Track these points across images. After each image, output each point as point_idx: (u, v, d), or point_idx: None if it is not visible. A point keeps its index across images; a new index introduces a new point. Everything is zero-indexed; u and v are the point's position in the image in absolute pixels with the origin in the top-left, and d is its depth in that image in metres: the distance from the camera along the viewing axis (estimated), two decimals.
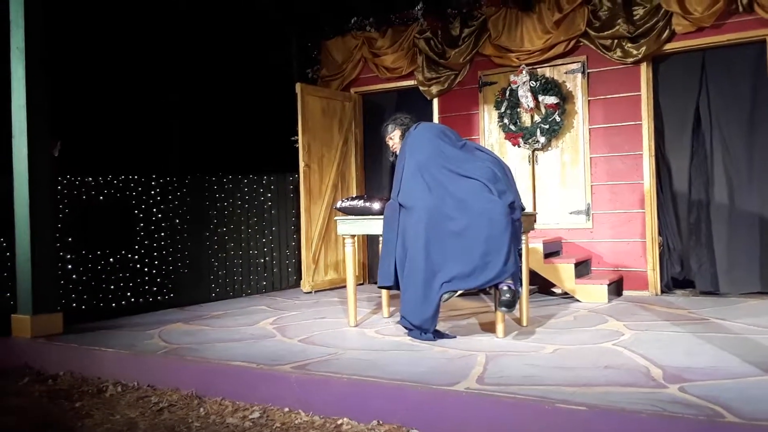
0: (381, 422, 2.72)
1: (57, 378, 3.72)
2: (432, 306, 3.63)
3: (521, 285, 3.83)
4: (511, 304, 3.52)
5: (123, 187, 5.14)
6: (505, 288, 3.52)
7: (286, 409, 2.96)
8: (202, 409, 3.05)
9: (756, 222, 5.12)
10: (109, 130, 5.23)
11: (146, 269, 5.25)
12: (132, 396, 3.31)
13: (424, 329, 3.71)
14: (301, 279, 6.24)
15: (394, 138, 4.37)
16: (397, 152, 4.29)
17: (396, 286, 3.84)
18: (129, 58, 5.36)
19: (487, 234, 3.54)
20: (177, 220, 5.48)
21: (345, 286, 4.63)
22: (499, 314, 3.75)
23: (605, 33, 5.44)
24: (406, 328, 3.84)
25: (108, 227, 5.02)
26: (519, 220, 3.73)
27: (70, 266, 4.78)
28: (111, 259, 5.02)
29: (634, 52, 5.35)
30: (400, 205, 3.87)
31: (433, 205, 3.70)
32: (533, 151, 5.86)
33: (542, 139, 5.71)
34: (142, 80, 5.46)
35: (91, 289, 4.89)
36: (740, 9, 4.97)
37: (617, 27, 5.37)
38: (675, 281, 5.51)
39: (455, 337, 3.81)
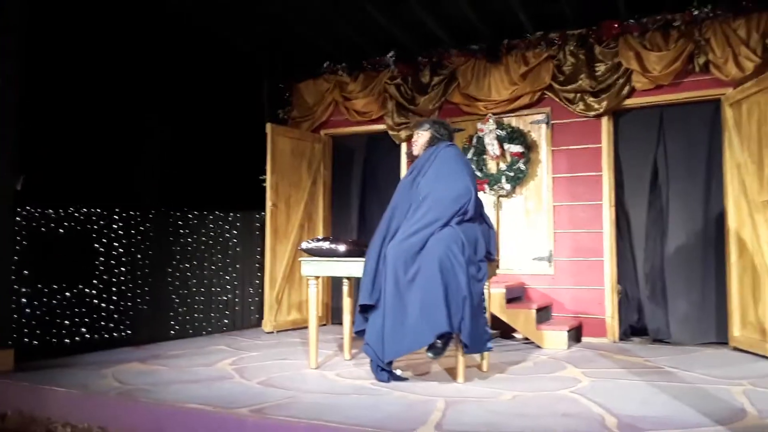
0: None
1: (5, 417, 3.57)
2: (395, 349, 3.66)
3: (470, 345, 3.64)
4: (437, 353, 3.58)
5: (84, 220, 5.06)
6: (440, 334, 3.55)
7: None
8: None
9: (711, 274, 5.27)
10: (74, 162, 5.15)
11: (104, 305, 5.12)
12: None
13: (380, 359, 3.70)
14: (263, 318, 6.17)
15: (419, 138, 4.11)
16: (414, 152, 4.14)
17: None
18: (98, 92, 5.33)
19: (435, 286, 3.55)
20: (139, 255, 5.40)
21: (307, 327, 4.59)
22: (459, 359, 3.76)
23: (569, 87, 5.64)
24: (368, 355, 3.82)
25: (67, 261, 4.90)
26: (480, 290, 3.71)
27: (24, 300, 4.64)
28: (67, 294, 4.89)
29: (596, 106, 5.55)
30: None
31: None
32: (498, 197, 5.97)
33: (507, 186, 5.83)
34: (111, 114, 5.42)
35: (45, 324, 4.74)
36: (696, 69, 5.22)
37: (580, 82, 5.58)
38: (633, 329, 5.61)
39: (407, 379, 3.83)
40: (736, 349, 4.90)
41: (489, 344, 3.74)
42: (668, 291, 5.41)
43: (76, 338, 4.93)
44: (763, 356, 4.49)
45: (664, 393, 3.50)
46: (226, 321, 6.14)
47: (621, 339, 5.49)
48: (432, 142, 4.08)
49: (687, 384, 3.74)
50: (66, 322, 4.88)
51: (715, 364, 4.40)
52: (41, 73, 4.83)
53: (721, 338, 5.14)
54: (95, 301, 5.07)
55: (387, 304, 3.64)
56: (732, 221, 5.00)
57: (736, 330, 4.93)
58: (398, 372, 3.86)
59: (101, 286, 5.12)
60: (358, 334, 3.95)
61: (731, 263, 4.99)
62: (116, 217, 5.27)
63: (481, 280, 3.73)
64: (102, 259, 5.15)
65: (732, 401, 3.29)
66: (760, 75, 4.72)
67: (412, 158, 4.17)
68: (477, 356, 4.21)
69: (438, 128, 4.10)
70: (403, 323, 3.59)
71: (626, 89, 5.46)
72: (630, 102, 5.53)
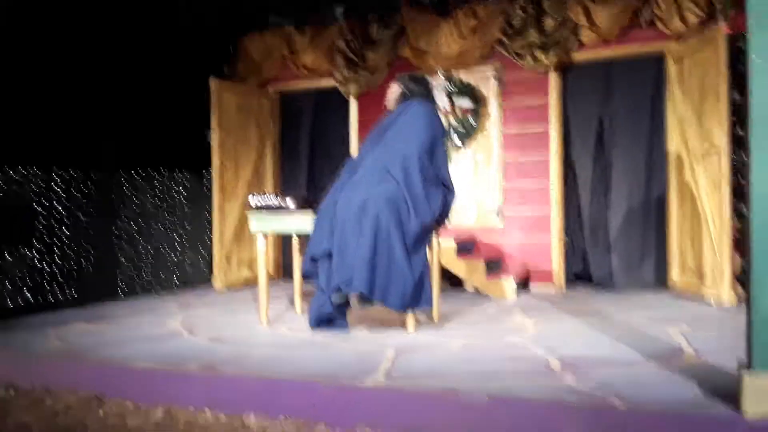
0: (288, 417, 2.70)
1: None
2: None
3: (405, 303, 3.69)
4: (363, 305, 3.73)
5: (21, 181, 4.86)
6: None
7: (191, 409, 2.88)
8: (101, 411, 2.92)
9: (652, 224, 5.45)
10: (8, 121, 4.91)
11: (46, 267, 4.97)
12: (25, 400, 3.12)
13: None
14: (213, 277, 6.11)
15: (389, 93, 4.11)
16: (387, 105, 4.12)
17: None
18: (33, 50, 5.05)
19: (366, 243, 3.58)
20: (81, 217, 5.23)
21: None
22: (409, 312, 3.80)
23: (518, 41, 5.63)
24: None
25: (4, 223, 4.72)
26: (416, 240, 3.71)
27: None
28: (6, 255, 4.72)
29: (545, 60, 5.56)
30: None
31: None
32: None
33: (457, 141, 5.84)
34: (47, 72, 5.15)
35: None
36: (642, 24, 5.27)
37: (529, 36, 5.57)
38: (578, 277, 5.80)
39: (347, 328, 3.86)
40: (675, 293, 5.11)
41: (426, 304, 3.78)
42: (611, 241, 5.57)
43: (19, 301, 4.79)
44: (701, 299, 4.70)
45: (605, 335, 3.63)
46: (176, 280, 6.05)
47: (567, 287, 5.66)
48: (403, 98, 4.04)
49: (627, 326, 3.89)
50: (6, 283, 4.72)
51: (655, 307, 4.58)
52: None
53: (661, 284, 5.35)
54: (35, 262, 4.92)
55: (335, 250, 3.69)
56: (673, 172, 5.15)
57: (675, 275, 5.14)
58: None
59: (43, 248, 4.96)
60: (307, 277, 3.97)
61: (672, 212, 5.17)
62: (56, 178, 5.08)
63: (422, 239, 3.74)
64: (43, 221, 4.98)
65: (670, 341, 3.44)
66: (703, 29, 4.81)
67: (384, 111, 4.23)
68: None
69: (408, 84, 4.05)
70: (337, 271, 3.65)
71: (574, 44, 5.48)
72: (578, 57, 5.56)
